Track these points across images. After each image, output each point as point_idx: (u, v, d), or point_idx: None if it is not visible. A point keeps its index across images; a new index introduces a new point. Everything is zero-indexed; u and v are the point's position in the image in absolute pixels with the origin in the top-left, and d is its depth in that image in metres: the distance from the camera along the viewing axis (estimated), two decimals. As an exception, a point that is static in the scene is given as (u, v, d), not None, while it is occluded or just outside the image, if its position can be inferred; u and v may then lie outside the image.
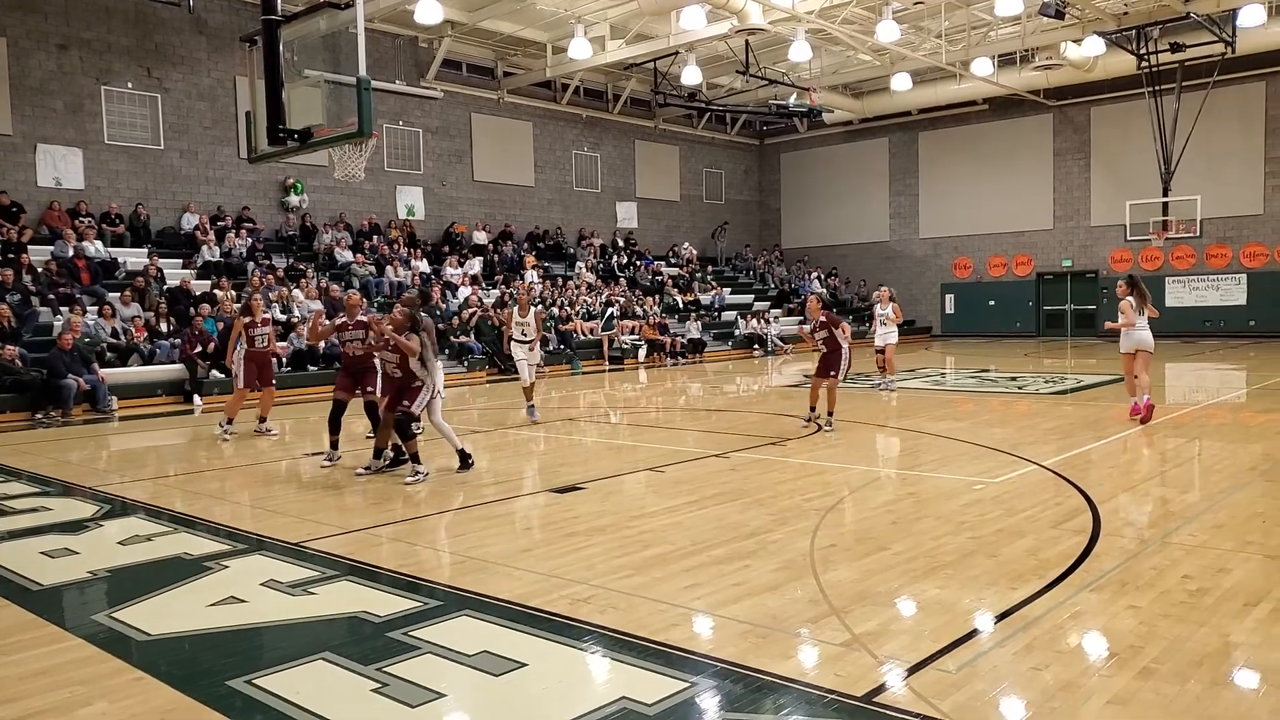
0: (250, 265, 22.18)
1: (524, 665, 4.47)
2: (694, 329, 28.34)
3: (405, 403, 9.27)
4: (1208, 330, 29.56)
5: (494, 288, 26.27)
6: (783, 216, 39.73)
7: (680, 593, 5.51)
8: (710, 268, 35.55)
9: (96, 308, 18.31)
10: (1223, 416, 13.14)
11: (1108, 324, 13.16)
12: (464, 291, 24.80)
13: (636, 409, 16.33)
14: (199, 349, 17.96)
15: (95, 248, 20.34)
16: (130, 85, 22.06)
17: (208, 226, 22.64)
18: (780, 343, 29.37)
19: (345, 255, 24.32)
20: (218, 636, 5.05)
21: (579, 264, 30.05)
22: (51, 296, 18.33)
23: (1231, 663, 4.33)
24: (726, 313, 31.63)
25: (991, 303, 34.21)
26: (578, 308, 26.42)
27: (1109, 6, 24.37)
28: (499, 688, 4.26)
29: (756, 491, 8.37)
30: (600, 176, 33.48)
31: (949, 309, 35.12)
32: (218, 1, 23.28)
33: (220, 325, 18.92)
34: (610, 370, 24.60)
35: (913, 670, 4.30)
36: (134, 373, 17.60)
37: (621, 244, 33.26)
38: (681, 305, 30.40)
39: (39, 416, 15.48)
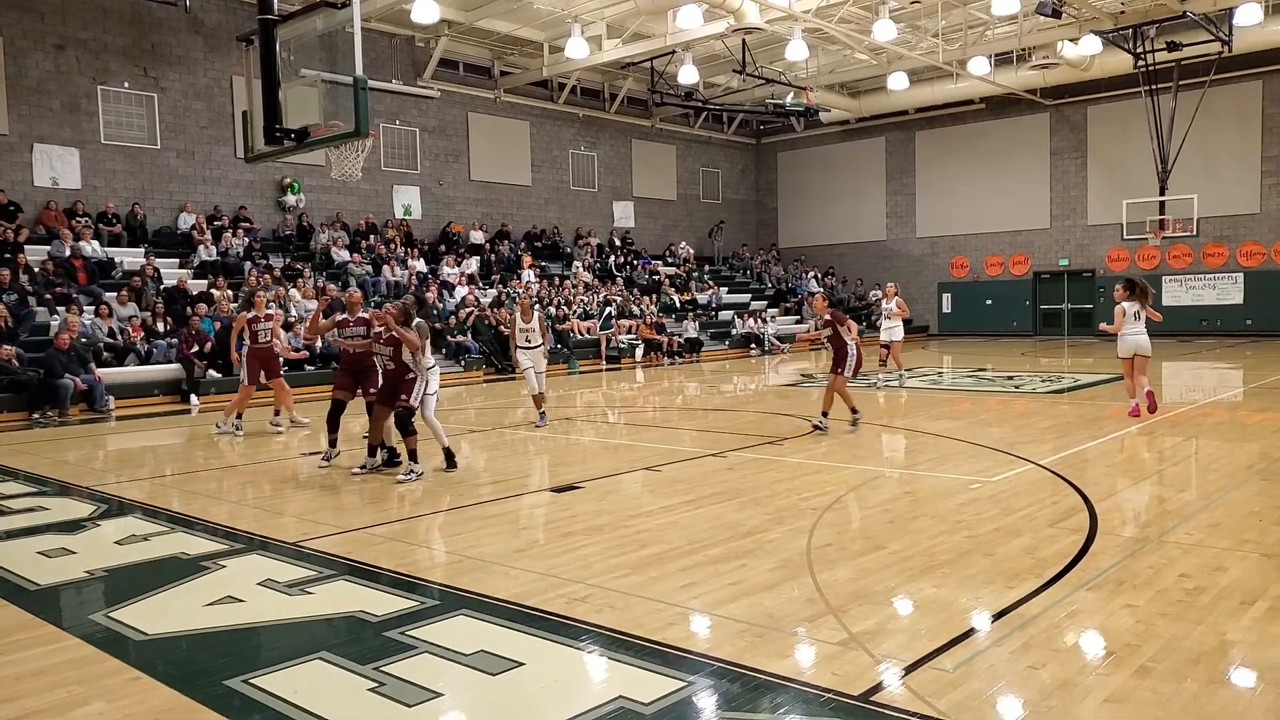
0: (247, 265, 22.16)
1: (521, 665, 4.47)
2: (691, 328, 28.34)
3: (403, 396, 9.29)
4: (1204, 329, 29.58)
5: (491, 287, 26.27)
6: (779, 216, 39.75)
7: (677, 592, 5.51)
8: (707, 267, 35.57)
9: (93, 307, 18.30)
10: (1220, 415, 13.15)
11: (1102, 325, 13.16)
12: (461, 291, 24.79)
13: (633, 408, 16.33)
14: (196, 349, 17.94)
15: (92, 247, 20.32)
16: (127, 85, 22.03)
17: (204, 226, 22.63)
18: (777, 342, 29.38)
19: (342, 255, 24.31)
20: (215, 636, 5.05)
21: (576, 263, 30.05)
22: (48, 296, 18.31)
23: (1228, 661, 4.34)
24: (723, 312, 31.64)
25: (988, 302, 34.23)
26: (574, 307, 26.42)
27: (1106, 5, 24.38)
28: (496, 687, 4.26)
29: (753, 491, 8.37)
30: (597, 176, 33.47)
31: (946, 308, 35.14)
32: (214, 1, 23.26)
33: (217, 325, 18.92)
34: (607, 370, 24.60)
35: (910, 669, 4.30)
36: (131, 372, 17.59)
37: (618, 243, 33.26)
38: (678, 305, 30.40)
39: (36, 416, 15.47)
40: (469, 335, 22.85)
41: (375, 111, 11.12)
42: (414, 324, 9.66)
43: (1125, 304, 12.42)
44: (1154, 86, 26.44)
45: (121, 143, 22.05)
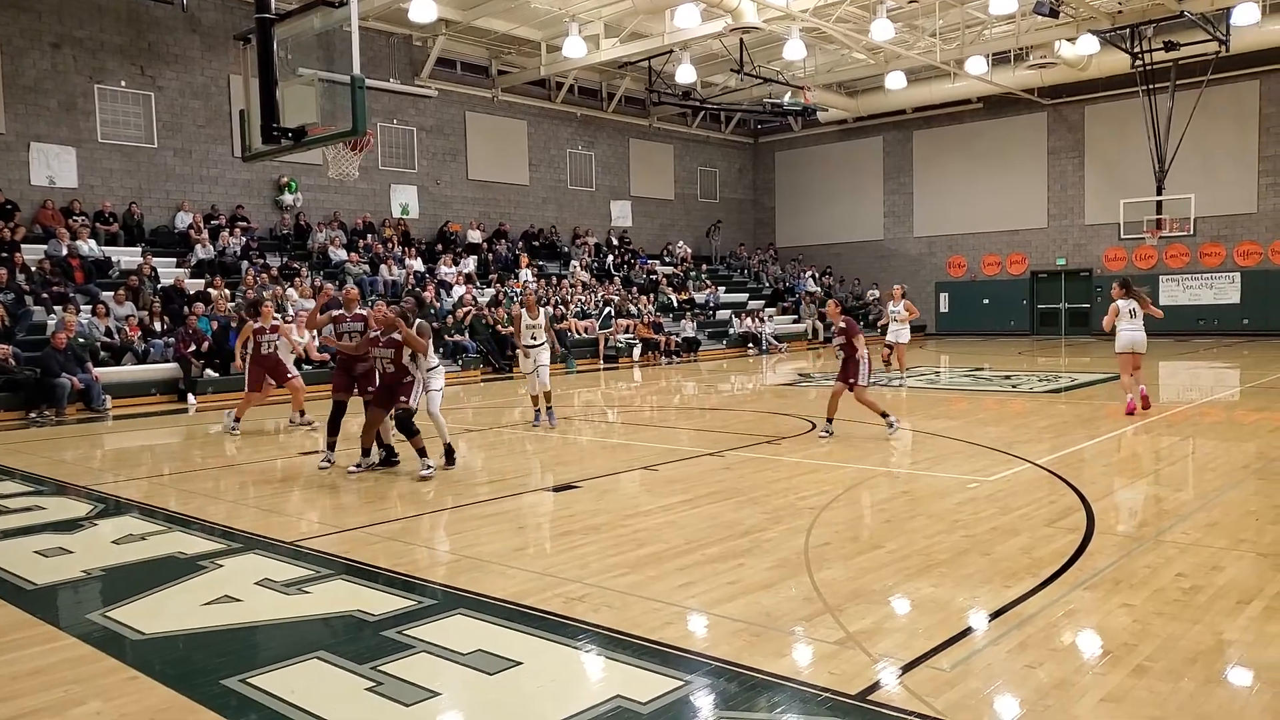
0: (244, 264, 22.14)
1: (518, 664, 4.47)
2: (688, 328, 28.33)
3: (402, 399, 9.28)
4: (1202, 329, 29.61)
5: (488, 287, 26.26)
6: (777, 215, 39.76)
7: (675, 591, 5.51)
8: (704, 266, 35.57)
9: (90, 307, 18.28)
10: (1216, 415, 13.17)
11: (1104, 322, 13.29)
12: (458, 290, 24.78)
13: (631, 408, 16.33)
14: (193, 348, 17.93)
15: (89, 246, 20.30)
16: (124, 84, 22.01)
17: (201, 225, 22.61)
18: (774, 341, 29.39)
19: (339, 254, 24.29)
20: (212, 635, 5.05)
21: (573, 263, 30.04)
22: (45, 295, 18.28)
23: (1225, 660, 4.34)
24: (721, 311, 31.63)
25: (986, 301, 34.26)
26: (572, 306, 26.41)
27: (1103, 5, 24.40)
28: (493, 686, 4.26)
29: (751, 490, 8.37)
30: (595, 175, 33.47)
31: (943, 307, 35.15)
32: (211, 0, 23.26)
33: (214, 324, 18.92)
34: (605, 369, 24.60)
35: (907, 668, 4.30)
36: (128, 372, 17.57)
37: (616, 243, 33.26)
38: (676, 304, 30.39)
39: (33, 416, 15.45)
40: (466, 335, 22.84)
41: (372, 110, 11.09)
42: (415, 325, 9.67)
43: (1120, 302, 12.77)
44: (1151, 86, 26.46)
45: (118, 142, 22.02)
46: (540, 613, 5.17)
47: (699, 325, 29.21)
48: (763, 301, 33.63)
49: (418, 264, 25.45)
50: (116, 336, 18.04)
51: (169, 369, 17.92)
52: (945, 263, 35.27)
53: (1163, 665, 4.26)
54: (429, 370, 9.88)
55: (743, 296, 33.74)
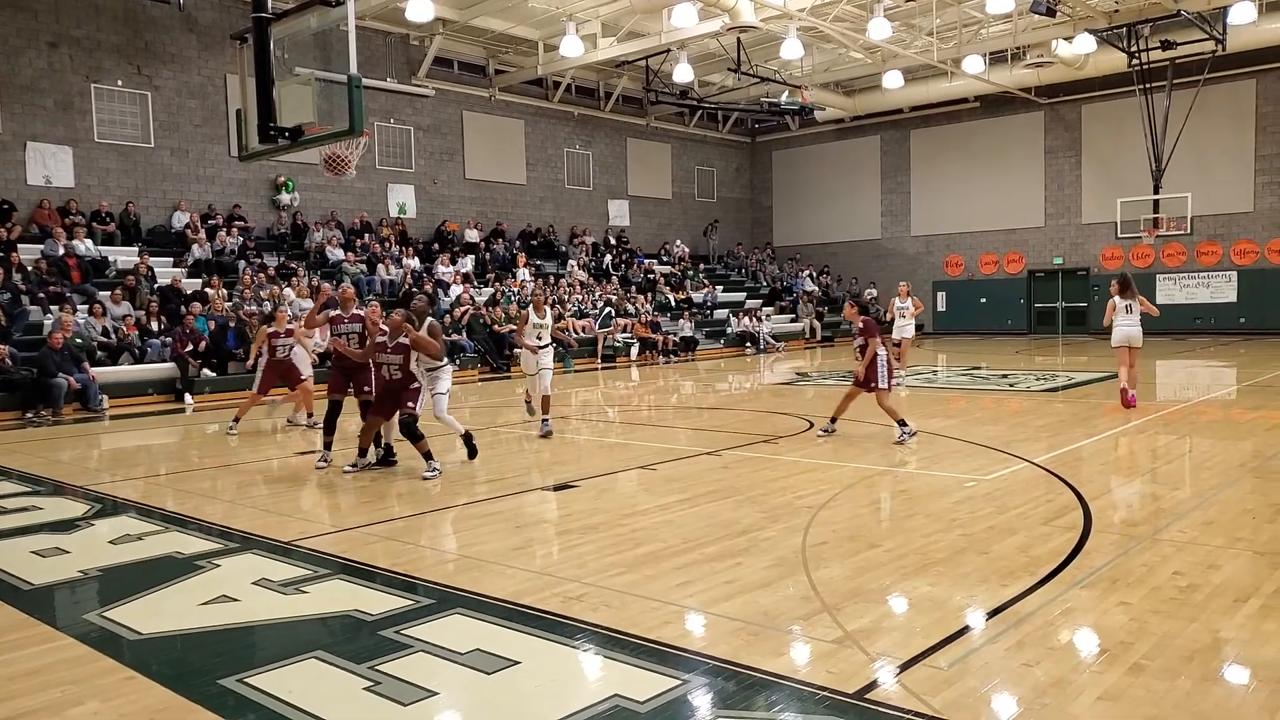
0: (241, 264, 22.14)
1: (516, 663, 4.47)
2: (686, 327, 28.34)
3: (409, 405, 9.27)
4: (1198, 327, 29.63)
5: (486, 286, 26.25)
6: (774, 214, 39.76)
7: (672, 590, 5.51)
8: (702, 265, 35.58)
9: (87, 306, 18.25)
10: (1213, 413, 13.19)
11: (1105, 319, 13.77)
12: (456, 290, 24.77)
13: (629, 407, 16.33)
14: (190, 347, 17.92)
15: (85, 246, 20.28)
16: (120, 83, 21.98)
17: (199, 225, 22.60)
18: (772, 341, 29.40)
19: (337, 253, 24.28)
20: (209, 635, 5.05)
21: (571, 262, 30.03)
22: (42, 295, 18.27)
23: (1221, 658, 4.35)
24: (718, 311, 31.64)
25: (983, 300, 34.27)
26: (569, 305, 26.40)
27: (1100, 4, 24.42)
28: (491, 686, 4.26)
29: (748, 489, 8.38)
30: (592, 174, 33.47)
31: (940, 306, 35.14)
32: (208, -1, 23.26)
33: (212, 324, 18.91)
34: (603, 368, 24.60)
35: (904, 667, 4.30)
36: (125, 371, 17.57)
37: (613, 242, 33.26)
38: (673, 303, 30.40)
39: (29, 415, 15.44)
40: (464, 334, 22.83)
41: (369, 110, 11.07)
42: (427, 324, 9.70)
43: (1117, 298, 13.37)
44: (1148, 85, 26.47)
45: (115, 141, 22.00)
46: (538, 612, 5.17)
47: (696, 324, 29.22)
48: (760, 301, 33.62)
49: (415, 263, 25.43)
50: (113, 336, 18.03)
51: (166, 369, 17.92)
52: (942, 262, 35.28)
53: (1159, 663, 4.27)
54: (436, 369, 9.90)
55: (740, 296, 33.75)
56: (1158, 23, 24.55)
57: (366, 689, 4.24)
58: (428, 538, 7.21)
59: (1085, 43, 25.83)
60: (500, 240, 29.24)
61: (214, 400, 17.58)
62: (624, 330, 26.60)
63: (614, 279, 30.37)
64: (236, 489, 9.25)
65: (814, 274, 36.23)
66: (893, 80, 29.73)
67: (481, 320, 23.24)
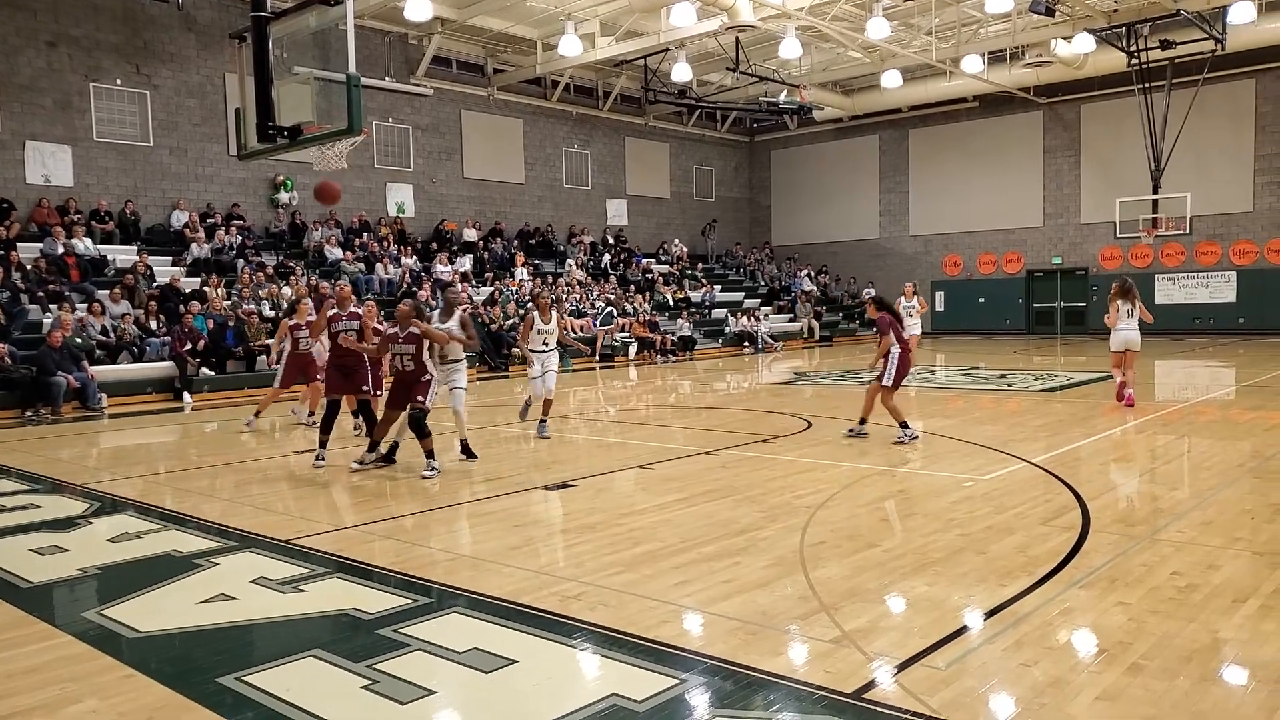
0: (240, 262, 22.14)
1: (514, 662, 4.47)
2: (684, 326, 28.34)
3: (419, 399, 9.28)
4: (1197, 327, 29.64)
5: (484, 285, 26.25)
6: (773, 214, 39.76)
7: (670, 590, 5.51)
8: (700, 265, 35.58)
9: (86, 305, 18.24)
10: (1212, 414, 13.20)
11: (1106, 317, 13.94)
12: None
13: (627, 407, 16.33)
14: (189, 346, 17.91)
15: (84, 245, 20.27)
16: (119, 82, 21.97)
17: (197, 224, 22.59)
18: (770, 340, 29.41)
19: (335, 252, 24.28)
20: (208, 634, 5.04)
21: (569, 261, 30.04)
22: (41, 294, 18.26)
23: (1220, 659, 4.35)
24: (717, 310, 31.64)
25: (981, 300, 34.27)
26: (566, 305, 26.40)
27: (1099, 3, 24.42)
28: (489, 685, 4.26)
29: (747, 489, 8.38)
30: (590, 174, 33.46)
31: (939, 306, 35.13)
32: (207, -2, 23.25)
33: (211, 323, 18.90)
34: (600, 368, 24.59)
35: (902, 667, 4.31)
36: (124, 370, 17.56)
37: (612, 241, 33.26)
38: (672, 303, 30.40)
39: (29, 414, 15.43)
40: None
41: (368, 109, 11.06)
42: (457, 316, 9.75)
43: (1119, 302, 13.50)
44: (1147, 85, 26.46)
45: (114, 140, 21.99)
46: (536, 611, 5.17)
47: (695, 324, 29.22)
48: (758, 300, 33.63)
49: (413, 262, 25.43)
50: (112, 335, 18.02)
51: (165, 367, 17.91)
52: (941, 261, 35.29)
53: (1158, 663, 4.27)
54: (452, 362, 9.94)
55: (738, 295, 33.75)
56: (1157, 22, 24.56)
57: (364, 687, 4.24)
58: (426, 536, 7.21)
59: (1084, 42, 25.84)
60: (498, 239, 29.23)
61: (213, 399, 17.58)
62: (622, 330, 26.60)
63: (612, 278, 30.36)
64: (235, 488, 9.25)
65: (812, 273, 36.22)
66: (891, 80, 29.74)
67: (479, 319, 23.23)
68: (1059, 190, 32.62)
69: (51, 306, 17.79)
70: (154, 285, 20.00)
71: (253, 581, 5.92)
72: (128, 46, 22.07)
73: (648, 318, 27.66)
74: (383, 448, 9.93)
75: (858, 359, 24.23)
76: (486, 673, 4.36)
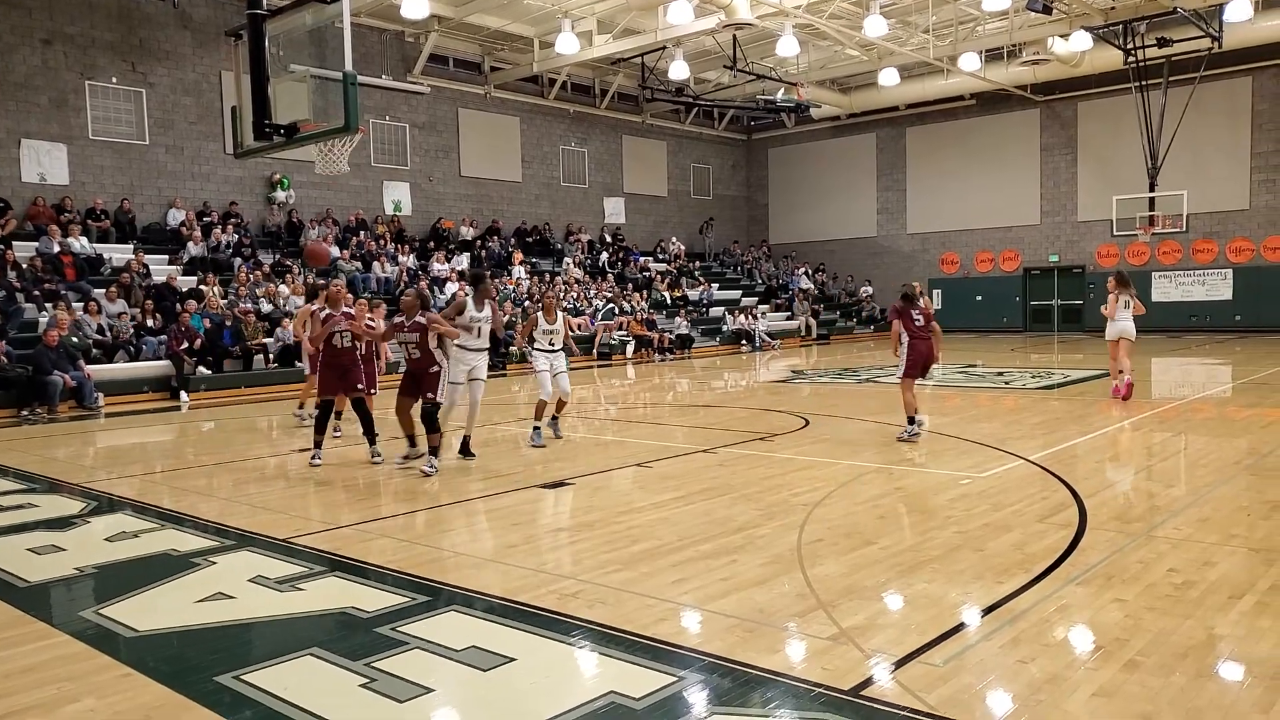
0: (237, 261, 22.11)
1: (512, 660, 4.47)
2: (682, 325, 28.34)
3: (429, 395, 9.30)
4: (1194, 325, 29.68)
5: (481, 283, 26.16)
6: (770, 212, 39.76)
7: (668, 587, 5.51)
8: (698, 263, 35.57)
9: (82, 304, 18.22)
10: (1208, 411, 13.21)
11: (1103, 308, 14.39)
12: (451, 287, 24.73)
13: (624, 405, 16.34)
14: (185, 345, 17.89)
15: (80, 244, 20.24)
16: (115, 80, 21.94)
17: (194, 222, 22.55)
18: (768, 338, 29.41)
19: (332, 251, 24.21)
20: (205, 632, 5.04)
21: (566, 259, 30.03)
22: (36, 293, 18.23)
23: (1216, 655, 4.36)
24: (714, 308, 31.64)
25: (978, 298, 34.29)
26: (564, 302, 26.39)
27: (1096, 1, 24.43)
28: (487, 683, 4.26)
29: (744, 486, 8.38)
30: (588, 172, 33.45)
31: (936, 304, 35.07)
32: (203, -4, 23.22)
33: (207, 321, 18.89)
34: (598, 366, 24.59)
35: (900, 664, 4.31)
36: (120, 369, 17.54)
37: (609, 239, 33.25)
38: (669, 301, 30.39)
39: (25, 413, 15.41)
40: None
41: (365, 107, 11.07)
42: (488, 307, 10.03)
43: (1117, 293, 13.93)
44: (1144, 82, 26.48)
45: (110, 138, 21.95)
46: (534, 609, 5.17)
47: (692, 322, 29.22)
48: (756, 298, 33.65)
49: (410, 261, 25.41)
50: (108, 334, 18.00)
51: (161, 366, 17.89)
52: (938, 259, 35.30)
53: (1154, 660, 4.28)
54: (476, 350, 9.96)
55: (736, 293, 33.75)
56: (1154, 20, 24.56)
57: (362, 686, 4.24)
58: (423, 535, 7.21)
59: (1081, 40, 25.84)
60: (496, 238, 29.21)
61: (209, 398, 17.56)
62: (620, 328, 26.59)
63: (610, 277, 30.35)
64: (232, 486, 9.24)
65: (809, 272, 36.23)
66: (888, 78, 29.74)
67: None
68: (1056, 188, 32.63)
69: (47, 305, 17.77)
70: (150, 284, 19.97)
71: (250, 580, 5.92)
72: (123, 44, 22.03)
73: (645, 316, 27.65)
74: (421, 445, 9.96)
75: (855, 357, 24.24)
76: (484, 671, 4.37)
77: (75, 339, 16.88)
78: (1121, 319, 13.81)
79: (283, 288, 21.21)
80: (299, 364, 15.13)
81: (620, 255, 32.37)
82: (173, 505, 8.34)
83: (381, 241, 25.66)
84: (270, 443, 12.30)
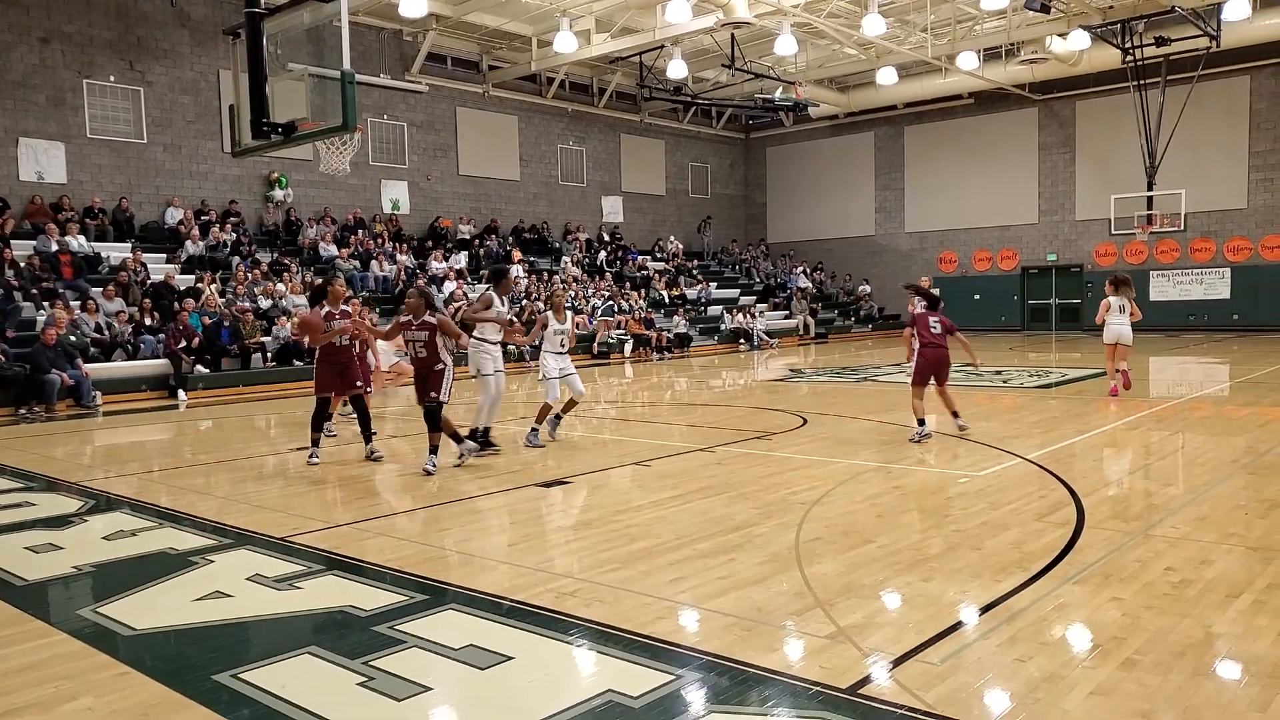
0: (235, 260, 22.10)
1: (510, 659, 4.47)
2: (680, 323, 28.34)
3: (432, 394, 9.29)
4: (1192, 324, 29.71)
5: (480, 282, 26.20)
6: (768, 211, 39.77)
7: (666, 586, 5.51)
8: (696, 262, 35.57)
9: (79, 302, 18.21)
10: (1206, 410, 13.22)
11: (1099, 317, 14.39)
12: (449, 286, 24.74)
13: (622, 403, 16.33)
14: (183, 344, 17.88)
15: (78, 242, 20.23)
16: (112, 79, 21.92)
17: (192, 221, 22.54)
18: (766, 337, 29.41)
19: (330, 249, 24.24)
20: (203, 631, 5.04)
21: (564, 258, 30.03)
22: (34, 291, 18.21)
23: (1213, 653, 4.36)
24: (712, 307, 31.64)
25: (976, 297, 34.29)
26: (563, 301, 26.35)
27: (1094, 0, 24.43)
28: (485, 681, 4.26)
29: (742, 485, 8.38)
30: (586, 170, 33.45)
31: (935, 303, 35.11)
32: (201, -6, 23.20)
33: (205, 321, 18.87)
34: (596, 364, 24.58)
35: (897, 662, 4.31)
36: (118, 368, 17.53)
37: (607, 238, 33.24)
38: (667, 300, 30.39)
39: (23, 412, 15.41)
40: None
41: (363, 106, 11.08)
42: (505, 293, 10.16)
43: (1112, 298, 13.85)
44: (1142, 81, 26.50)
45: (107, 137, 21.94)
46: (531, 608, 5.17)
47: (690, 321, 29.22)
48: (754, 297, 33.65)
49: (408, 260, 25.41)
50: (106, 332, 17.99)
51: (159, 365, 17.88)
52: (936, 258, 35.32)
53: (1152, 658, 4.28)
54: (493, 343, 10.01)
55: (734, 292, 33.76)
56: (1152, 19, 24.58)
57: (360, 684, 4.24)
58: (421, 533, 7.20)
59: (1079, 39, 25.87)
60: (494, 236, 29.21)
61: (207, 396, 17.55)
62: (618, 327, 26.59)
63: (608, 275, 30.35)
64: (230, 485, 9.24)
65: (808, 270, 36.23)
66: (887, 76, 29.76)
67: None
68: (1054, 187, 32.65)
69: (45, 304, 17.76)
70: (148, 283, 19.96)
71: (248, 579, 5.92)
72: (121, 43, 22.02)
73: (643, 315, 27.65)
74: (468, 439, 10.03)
75: (853, 356, 24.24)
76: (482, 669, 4.37)
77: (73, 338, 16.87)
78: (1118, 323, 13.77)
79: (280, 286, 21.20)
80: (297, 363, 14.99)
81: (618, 254, 32.37)
82: (170, 504, 8.34)
83: (379, 240, 25.66)
84: (268, 441, 12.29)
